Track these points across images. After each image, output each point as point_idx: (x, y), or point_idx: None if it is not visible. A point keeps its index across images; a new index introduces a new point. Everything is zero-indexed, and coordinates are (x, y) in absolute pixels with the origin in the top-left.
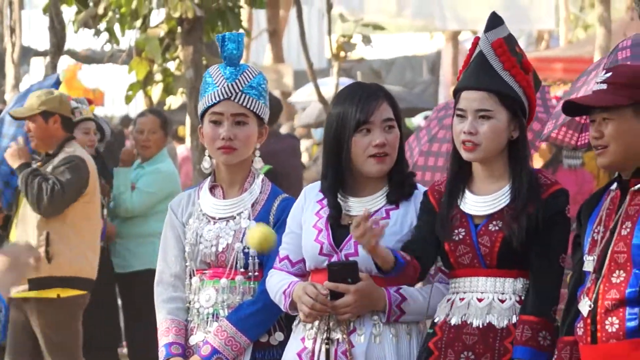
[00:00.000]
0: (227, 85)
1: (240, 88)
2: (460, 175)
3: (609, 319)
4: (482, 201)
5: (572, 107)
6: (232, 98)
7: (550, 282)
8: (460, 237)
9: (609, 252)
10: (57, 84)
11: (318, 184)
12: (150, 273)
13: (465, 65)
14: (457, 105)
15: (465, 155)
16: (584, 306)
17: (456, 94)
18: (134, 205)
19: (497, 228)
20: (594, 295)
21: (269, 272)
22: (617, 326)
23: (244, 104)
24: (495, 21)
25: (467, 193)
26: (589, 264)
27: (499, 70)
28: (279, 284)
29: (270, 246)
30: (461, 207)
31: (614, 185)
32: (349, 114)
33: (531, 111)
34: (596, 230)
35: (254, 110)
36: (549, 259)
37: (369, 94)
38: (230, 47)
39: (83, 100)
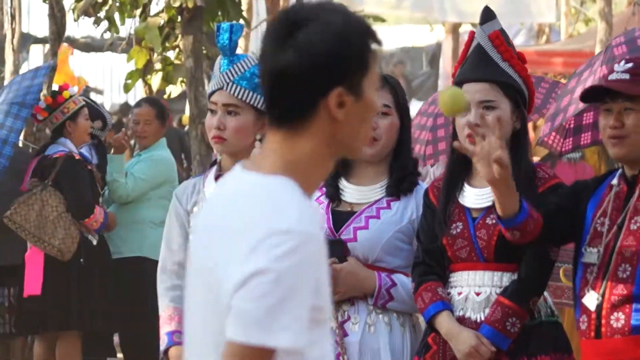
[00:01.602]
0: (220, 76)
1: (231, 78)
2: (460, 170)
3: (615, 314)
4: (481, 194)
5: (588, 94)
6: (224, 88)
7: (536, 271)
8: (458, 230)
9: (617, 246)
10: (51, 70)
11: None
12: (139, 261)
13: (461, 60)
14: None
15: (470, 147)
16: (591, 300)
17: None
18: (128, 191)
19: (494, 221)
20: (602, 290)
21: None
22: (622, 322)
23: (234, 94)
24: (489, 15)
25: (467, 187)
26: (590, 256)
27: (498, 61)
28: None
29: (461, 107)
30: (460, 200)
31: (616, 180)
32: None
33: (531, 102)
34: (599, 222)
35: (246, 100)
36: (540, 249)
37: None
38: (223, 38)
39: (75, 90)
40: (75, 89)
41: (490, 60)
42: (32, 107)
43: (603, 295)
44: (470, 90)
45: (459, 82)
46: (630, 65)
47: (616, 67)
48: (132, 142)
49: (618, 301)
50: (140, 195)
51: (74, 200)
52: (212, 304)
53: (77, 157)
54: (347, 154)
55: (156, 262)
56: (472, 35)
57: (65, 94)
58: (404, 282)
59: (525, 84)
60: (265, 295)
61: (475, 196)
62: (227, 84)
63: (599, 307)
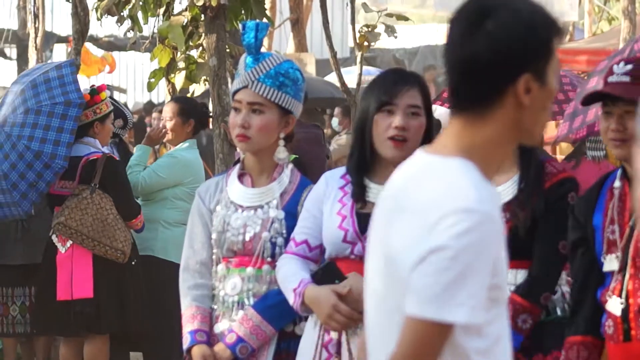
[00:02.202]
0: (245, 74)
1: (256, 76)
2: None
3: None
4: None
5: (589, 98)
6: (249, 86)
7: (546, 267)
8: None
9: (631, 247)
10: (73, 66)
11: (338, 170)
12: (150, 260)
13: None
14: None
15: None
16: (616, 305)
17: None
18: (139, 180)
19: (505, 218)
20: (624, 294)
21: (282, 257)
22: None
23: (260, 92)
24: None
25: None
26: (611, 264)
27: None
28: (288, 278)
29: None
30: None
31: (617, 183)
32: (375, 94)
33: None
34: (609, 230)
35: (272, 99)
36: (548, 244)
37: (399, 78)
38: (248, 36)
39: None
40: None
41: None
42: (81, 106)
43: (627, 298)
44: None
45: None
46: (629, 67)
47: (615, 68)
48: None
49: None
50: (149, 190)
51: (121, 202)
52: (392, 281)
53: (116, 157)
54: (525, 139)
55: (166, 261)
56: None
57: (103, 95)
58: None
59: None
60: (443, 271)
61: None
62: (252, 82)
63: (625, 310)
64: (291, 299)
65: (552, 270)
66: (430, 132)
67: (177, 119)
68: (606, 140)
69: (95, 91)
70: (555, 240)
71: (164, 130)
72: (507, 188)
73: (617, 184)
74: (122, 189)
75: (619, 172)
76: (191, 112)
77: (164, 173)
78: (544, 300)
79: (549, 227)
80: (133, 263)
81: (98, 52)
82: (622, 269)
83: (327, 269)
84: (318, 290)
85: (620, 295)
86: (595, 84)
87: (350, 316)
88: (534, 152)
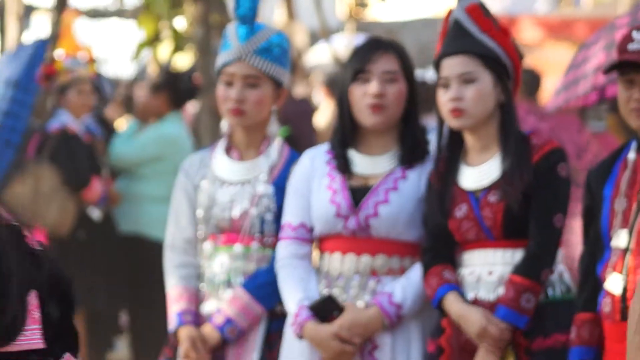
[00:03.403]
0: (239, 46)
1: (253, 49)
2: (454, 151)
3: None
4: (478, 172)
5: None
6: (244, 59)
7: (543, 242)
8: (463, 212)
9: (637, 222)
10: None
11: (322, 146)
12: (135, 237)
13: (441, 39)
14: (440, 75)
15: (453, 122)
16: (616, 282)
17: (437, 67)
18: (119, 152)
19: (496, 197)
20: (624, 270)
21: (280, 243)
22: None
23: (256, 65)
24: None
25: (464, 167)
26: (617, 239)
27: (476, 33)
28: (290, 289)
29: None
30: (459, 182)
31: (632, 154)
32: (350, 64)
33: (516, 75)
34: (617, 202)
35: (268, 72)
36: (543, 219)
37: (373, 45)
38: (244, 6)
39: (82, 59)
40: (76, 61)
41: (467, 33)
42: (17, 86)
43: (626, 277)
44: (449, 65)
45: (437, 59)
46: None
47: (635, 34)
48: None
49: None
50: (132, 163)
51: (67, 173)
52: None
53: (72, 130)
54: None
55: (152, 239)
56: (449, 11)
57: (58, 65)
58: (411, 290)
59: (508, 55)
60: None
61: (473, 176)
62: (249, 54)
63: (624, 288)
64: (290, 320)
65: (549, 246)
66: (413, 97)
67: (149, 93)
68: (627, 111)
69: (50, 62)
70: (549, 214)
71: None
72: (491, 167)
73: (631, 155)
74: (69, 161)
75: (634, 144)
76: (163, 86)
77: (149, 147)
78: (544, 277)
79: (541, 202)
80: (79, 237)
81: (82, 30)
82: (627, 244)
83: (326, 302)
84: (318, 331)
85: (621, 272)
86: (581, 59)
87: (354, 353)
88: (513, 126)
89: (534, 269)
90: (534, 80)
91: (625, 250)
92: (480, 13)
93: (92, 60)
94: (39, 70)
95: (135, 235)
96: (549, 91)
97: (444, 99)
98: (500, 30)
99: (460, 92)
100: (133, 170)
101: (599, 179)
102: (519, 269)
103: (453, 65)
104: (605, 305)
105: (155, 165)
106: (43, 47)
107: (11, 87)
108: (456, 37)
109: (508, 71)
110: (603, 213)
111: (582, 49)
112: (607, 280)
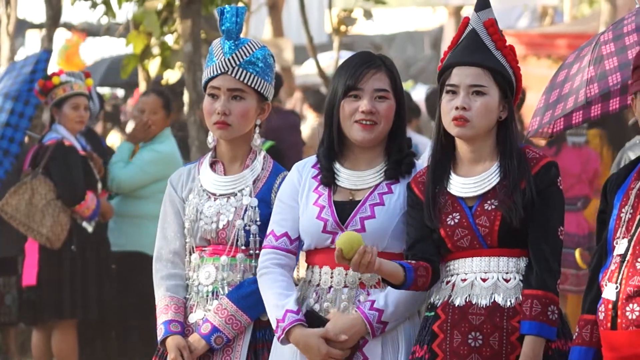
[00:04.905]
0: (224, 60)
1: (238, 62)
2: (445, 159)
3: (630, 305)
4: (472, 182)
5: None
6: (229, 72)
7: (550, 256)
8: (456, 221)
9: (636, 235)
10: (46, 55)
11: (309, 159)
12: (139, 255)
13: (454, 44)
14: (448, 82)
15: (456, 131)
16: (610, 291)
17: (444, 72)
18: (121, 178)
19: (493, 207)
20: (618, 280)
21: (263, 251)
22: (637, 313)
23: (241, 78)
24: (485, 3)
25: (454, 176)
26: (619, 247)
27: (492, 48)
28: (272, 297)
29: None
30: (450, 190)
31: None
32: (341, 79)
33: (517, 93)
34: (623, 211)
35: (252, 85)
36: (547, 232)
37: (365, 62)
38: (228, 21)
39: (79, 75)
40: (73, 76)
41: (483, 47)
42: (17, 99)
43: (620, 286)
44: (461, 74)
45: (449, 65)
46: None
47: None
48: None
49: (634, 292)
50: (133, 186)
51: (63, 187)
52: None
53: (68, 143)
54: None
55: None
56: (466, 20)
57: (55, 79)
58: (392, 297)
59: (515, 75)
60: None
61: (465, 185)
62: (234, 68)
63: (615, 297)
64: (274, 325)
65: (557, 258)
66: (401, 113)
67: (161, 112)
68: None
69: (47, 77)
70: (555, 227)
71: (148, 126)
72: (487, 177)
73: None
74: (65, 175)
75: None
76: (171, 104)
77: (149, 168)
78: (558, 288)
79: (546, 215)
80: (73, 249)
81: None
82: (622, 254)
83: (308, 318)
84: (306, 335)
85: (615, 281)
86: (563, 78)
87: (341, 357)
88: (514, 141)
89: (551, 281)
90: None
91: (622, 259)
92: (497, 29)
93: (88, 76)
94: (36, 84)
95: (137, 253)
96: (531, 106)
97: (450, 105)
98: (509, 48)
99: (468, 102)
100: (136, 192)
101: (614, 186)
102: (539, 284)
103: (466, 75)
104: (600, 313)
105: (154, 185)
106: (43, 62)
107: (10, 99)
108: (472, 48)
109: (513, 88)
110: (611, 220)
111: (563, 69)
112: (605, 288)
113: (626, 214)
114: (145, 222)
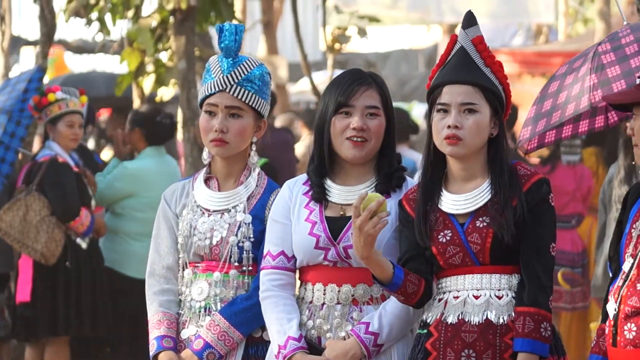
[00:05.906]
0: (223, 77)
1: (236, 80)
2: (436, 177)
3: (628, 325)
4: (463, 199)
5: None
6: (227, 90)
7: (542, 273)
8: (448, 238)
9: (639, 256)
10: (40, 73)
11: (300, 177)
12: (110, 271)
13: (442, 62)
14: (439, 100)
15: (448, 149)
16: (610, 308)
17: (434, 90)
18: (98, 189)
19: (485, 224)
20: (618, 299)
21: (262, 272)
22: (634, 333)
23: (239, 96)
24: (471, 20)
25: (445, 193)
26: (627, 264)
27: (481, 65)
28: (275, 322)
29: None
30: (441, 207)
31: None
32: (332, 96)
33: (507, 109)
34: (634, 227)
35: (250, 103)
36: (539, 249)
37: (356, 79)
38: (227, 38)
39: (73, 92)
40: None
41: (473, 64)
42: (10, 117)
43: (619, 304)
44: (452, 92)
45: (438, 84)
46: None
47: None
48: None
49: (632, 312)
50: (105, 202)
51: (57, 203)
52: None
53: (62, 160)
54: None
55: (123, 275)
56: (454, 38)
57: (50, 96)
58: (387, 319)
59: (505, 91)
60: None
61: (456, 202)
62: (232, 85)
63: (615, 316)
64: (275, 351)
65: (550, 274)
66: (390, 129)
67: (124, 129)
68: None
69: (43, 93)
70: (547, 244)
71: (125, 142)
72: (479, 194)
73: None
74: (59, 191)
75: None
76: (136, 122)
77: (117, 184)
78: (551, 305)
79: (539, 232)
80: (67, 265)
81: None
82: (627, 272)
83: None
84: None
85: (616, 299)
86: (556, 88)
87: None
88: (505, 158)
89: (543, 298)
90: (511, 113)
91: (625, 277)
92: (485, 46)
93: (82, 93)
94: (31, 100)
95: (112, 270)
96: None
97: (441, 124)
98: (498, 64)
99: (460, 120)
100: (111, 207)
101: (633, 198)
102: (531, 301)
103: (457, 93)
104: (606, 327)
105: (126, 201)
106: (36, 80)
107: (4, 113)
108: (462, 67)
109: (503, 105)
110: (624, 235)
111: (554, 80)
112: (608, 304)
113: (637, 230)
114: (117, 239)
